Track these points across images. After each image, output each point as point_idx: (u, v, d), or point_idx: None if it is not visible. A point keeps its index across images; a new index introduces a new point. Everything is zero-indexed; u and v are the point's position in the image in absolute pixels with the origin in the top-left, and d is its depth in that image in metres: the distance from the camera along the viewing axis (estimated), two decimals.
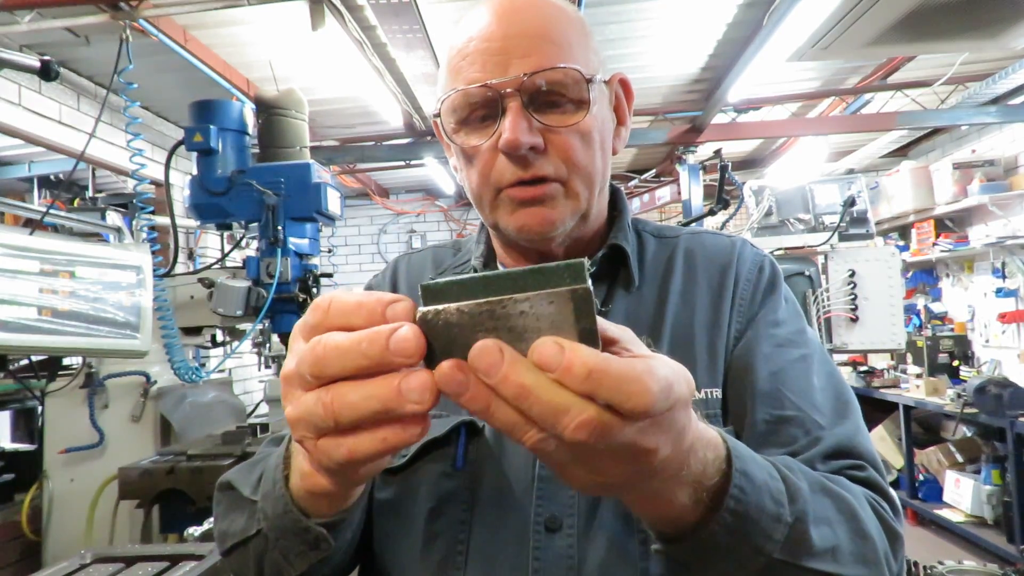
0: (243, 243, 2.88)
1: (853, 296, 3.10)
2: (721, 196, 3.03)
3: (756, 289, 0.78)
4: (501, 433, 0.40)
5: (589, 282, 0.37)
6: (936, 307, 5.55)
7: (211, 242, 4.34)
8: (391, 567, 0.72)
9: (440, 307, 0.38)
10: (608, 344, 0.41)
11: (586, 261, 0.37)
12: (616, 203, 0.84)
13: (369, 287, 0.90)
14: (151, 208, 2.51)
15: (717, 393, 0.72)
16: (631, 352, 0.41)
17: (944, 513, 4.42)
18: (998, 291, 4.74)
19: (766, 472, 0.52)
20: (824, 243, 3.20)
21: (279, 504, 0.56)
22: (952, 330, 5.22)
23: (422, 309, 0.39)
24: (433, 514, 0.70)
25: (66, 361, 2.87)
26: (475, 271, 0.81)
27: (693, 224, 3.50)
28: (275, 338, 2.49)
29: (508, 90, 0.67)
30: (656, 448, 0.40)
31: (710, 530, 0.49)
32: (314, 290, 2.41)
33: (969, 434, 4.76)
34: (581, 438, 0.36)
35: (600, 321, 0.40)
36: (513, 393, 0.37)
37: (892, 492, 0.67)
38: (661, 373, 0.38)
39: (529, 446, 0.38)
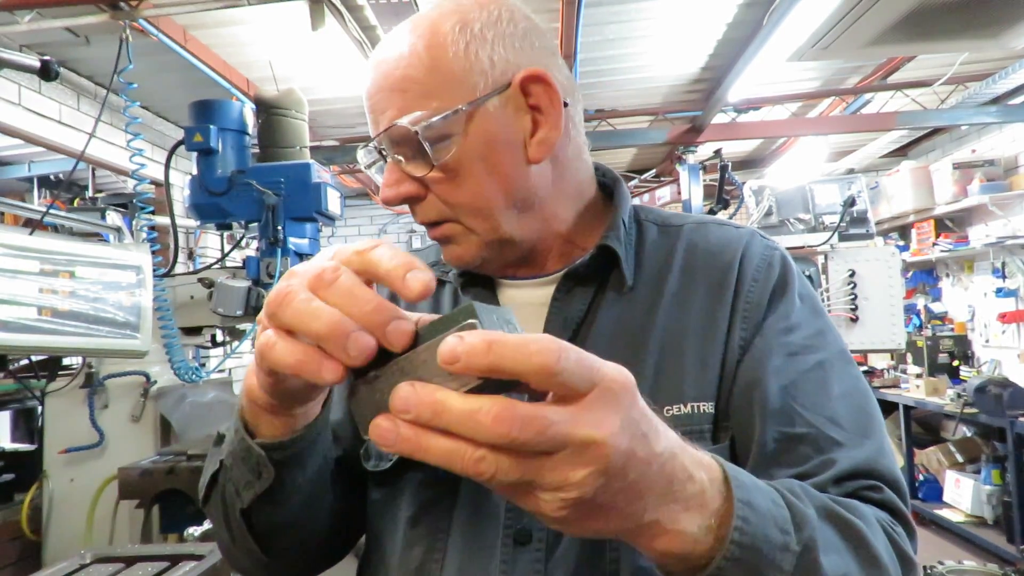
0: (243, 243, 2.87)
1: (853, 296, 3.09)
2: (721, 196, 3.04)
3: (764, 290, 0.71)
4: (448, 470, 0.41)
5: (477, 320, 0.40)
6: (936, 307, 5.55)
7: (211, 242, 4.34)
8: (378, 568, 0.74)
9: (363, 376, 0.43)
10: None
11: (479, 322, 0.40)
12: (614, 195, 0.79)
13: None
14: (151, 208, 2.51)
15: (707, 408, 0.67)
16: None
17: (944, 513, 4.42)
18: (998, 291, 4.74)
19: (768, 499, 0.50)
20: (824, 243, 3.20)
21: (236, 426, 0.59)
22: (952, 330, 5.23)
23: (352, 383, 0.44)
24: (414, 520, 0.70)
25: (66, 361, 2.87)
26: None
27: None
28: None
29: (381, 146, 0.69)
30: (602, 439, 0.39)
31: (717, 564, 0.46)
32: None
33: (969, 434, 4.76)
34: (503, 430, 0.37)
35: None
36: (430, 412, 0.38)
37: (909, 515, 0.63)
38: (568, 345, 0.38)
39: (474, 474, 0.38)
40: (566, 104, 0.69)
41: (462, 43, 0.66)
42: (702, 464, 0.47)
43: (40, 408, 2.69)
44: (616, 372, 0.41)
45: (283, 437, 0.57)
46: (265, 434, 0.57)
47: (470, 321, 0.40)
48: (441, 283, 0.82)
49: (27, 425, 3.33)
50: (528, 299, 0.76)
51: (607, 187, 0.81)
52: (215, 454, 0.69)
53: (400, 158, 0.68)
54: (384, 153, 0.69)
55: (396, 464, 0.72)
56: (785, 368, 0.67)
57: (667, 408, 0.67)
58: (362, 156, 0.73)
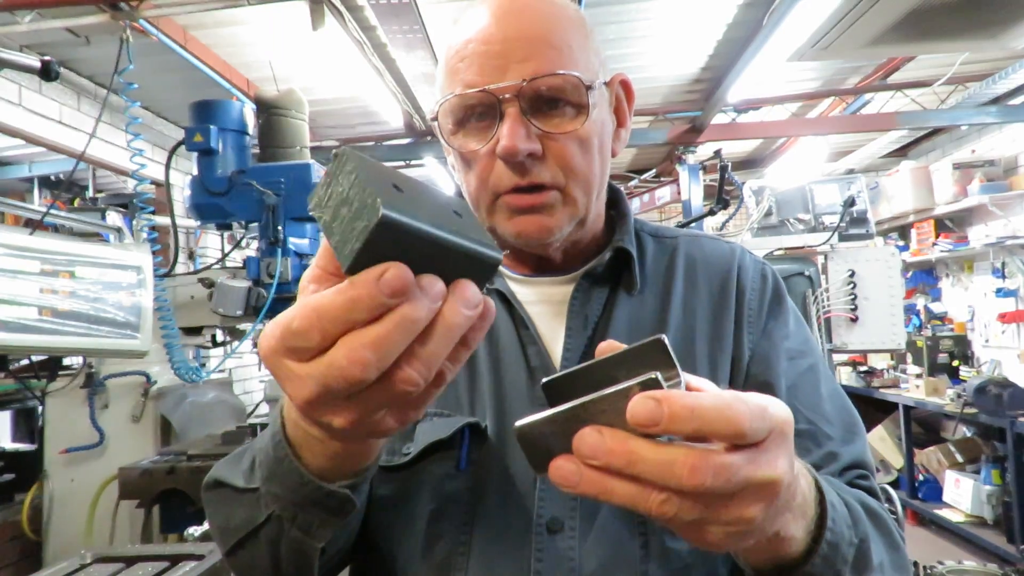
0: (243, 243, 2.88)
1: (853, 296, 3.09)
2: (721, 196, 3.04)
3: (763, 299, 0.79)
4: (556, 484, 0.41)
5: (656, 375, 0.40)
6: (936, 307, 5.55)
7: (211, 242, 4.34)
8: (391, 563, 0.72)
9: (533, 419, 0.42)
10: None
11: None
12: (617, 204, 0.83)
13: None
14: (151, 208, 2.51)
15: None
16: None
17: (944, 513, 4.42)
18: (998, 291, 4.74)
19: (837, 498, 0.55)
20: (824, 243, 3.20)
21: (293, 478, 0.54)
22: (952, 330, 5.22)
23: (518, 424, 0.42)
24: (435, 515, 0.70)
25: (66, 361, 2.88)
26: None
27: (690, 225, 3.50)
28: None
29: (506, 95, 0.66)
30: (778, 478, 0.41)
31: (812, 562, 0.50)
32: None
33: (969, 434, 4.76)
34: (698, 481, 0.38)
35: (685, 376, 0.46)
36: (624, 461, 0.39)
37: (880, 495, 0.72)
38: (751, 398, 0.41)
39: (656, 514, 0.40)
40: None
41: (587, 29, 0.73)
42: (803, 472, 0.50)
43: (40, 408, 2.70)
44: (783, 412, 0.43)
45: (364, 473, 0.56)
46: (346, 474, 0.54)
47: (651, 376, 0.40)
48: None
49: (27, 425, 3.33)
50: (545, 296, 0.78)
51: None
52: (233, 501, 0.64)
53: (527, 113, 0.67)
54: (502, 102, 0.67)
55: (413, 458, 0.71)
56: (788, 370, 0.74)
57: None
58: (455, 102, 0.68)
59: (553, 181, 0.69)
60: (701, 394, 0.39)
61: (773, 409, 0.42)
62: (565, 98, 0.68)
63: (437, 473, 0.70)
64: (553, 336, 0.75)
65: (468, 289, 0.39)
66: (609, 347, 0.48)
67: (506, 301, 0.77)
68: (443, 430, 0.70)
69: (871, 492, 0.69)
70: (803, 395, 0.73)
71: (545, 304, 0.77)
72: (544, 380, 0.48)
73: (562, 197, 0.70)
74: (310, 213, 0.39)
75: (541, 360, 0.73)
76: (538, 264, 0.79)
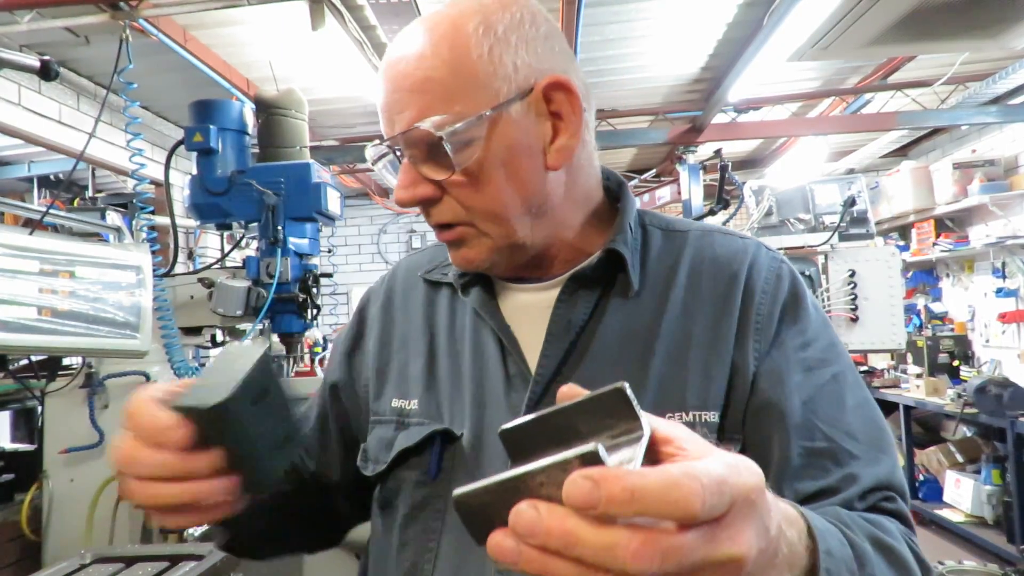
0: (243, 243, 2.88)
1: (853, 296, 3.09)
2: (721, 196, 3.04)
3: (775, 303, 0.71)
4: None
5: (598, 446, 0.36)
6: (936, 307, 5.55)
7: (211, 242, 4.34)
8: (376, 567, 0.77)
9: (470, 488, 0.39)
10: (662, 444, 0.41)
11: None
12: (620, 201, 0.78)
13: (367, 294, 0.91)
14: (151, 208, 2.50)
15: (709, 417, 0.67)
16: (685, 451, 0.40)
17: (944, 513, 4.42)
18: (998, 291, 4.73)
19: (837, 540, 0.51)
20: (824, 243, 3.19)
21: None
22: (952, 330, 5.22)
23: (456, 492, 0.40)
24: (407, 520, 0.71)
25: (66, 361, 2.87)
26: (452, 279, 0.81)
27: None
28: (275, 338, 2.48)
29: (397, 147, 0.68)
30: (741, 555, 0.37)
31: None
32: (314, 290, 2.40)
33: (969, 434, 4.76)
34: (644, 566, 0.34)
35: (652, 421, 0.41)
36: (562, 543, 0.35)
37: (911, 519, 0.66)
38: (707, 471, 0.36)
39: None
40: (583, 110, 0.69)
41: (486, 46, 0.65)
42: (792, 522, 0.46)
43: (40, 408, 2.69)
44: (749, 479, 0.38)
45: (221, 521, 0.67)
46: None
47: (590, 450, 0.36)
48: (438, 284, 0.82)
49: (27, 425, 3.32)
50: (531, 302, 0.76)
51: (611, 191, 0.80)
52: None
53: (417, 160, 0.67)
54: (399, 153, 0.69)
55: (389, 465, 0.73)
56: (804, 383, 0.68)
57: (669, 415, 0.65)
58: (371, 152, 0.72)
59: (455, 219, 0.69)
60: (646, 473, 0.35)
61: (735, 479, 0.37)
62: (445, 142, 0.64)
63: (409, 480, 0.72)
64: (536, 343, 0.72)
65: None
66: (570, 392, 0.45)
67: (491, 308, 0.75)
68: (413, 437, 0.72)
69: (898, 515, 0.64)
70: (823, 409, 0.66)
71: (531, 310, 0.75)
72: (501, 428, 0.45)
73: (474, 230, 0.70)
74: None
75: (518, 368, 0.71)
76: (530, 270, 0.76)
